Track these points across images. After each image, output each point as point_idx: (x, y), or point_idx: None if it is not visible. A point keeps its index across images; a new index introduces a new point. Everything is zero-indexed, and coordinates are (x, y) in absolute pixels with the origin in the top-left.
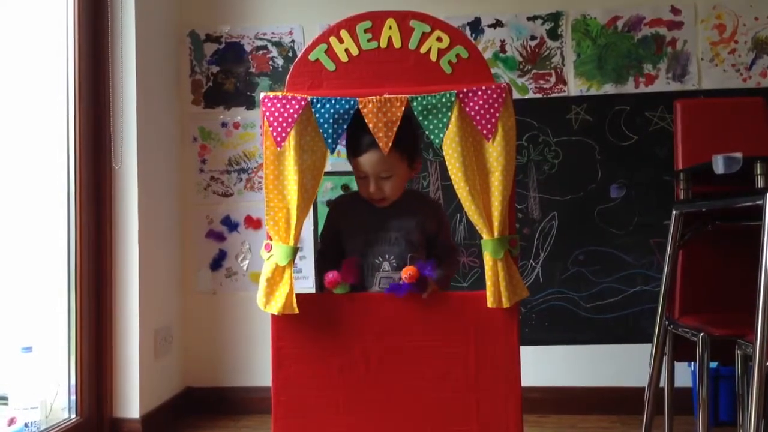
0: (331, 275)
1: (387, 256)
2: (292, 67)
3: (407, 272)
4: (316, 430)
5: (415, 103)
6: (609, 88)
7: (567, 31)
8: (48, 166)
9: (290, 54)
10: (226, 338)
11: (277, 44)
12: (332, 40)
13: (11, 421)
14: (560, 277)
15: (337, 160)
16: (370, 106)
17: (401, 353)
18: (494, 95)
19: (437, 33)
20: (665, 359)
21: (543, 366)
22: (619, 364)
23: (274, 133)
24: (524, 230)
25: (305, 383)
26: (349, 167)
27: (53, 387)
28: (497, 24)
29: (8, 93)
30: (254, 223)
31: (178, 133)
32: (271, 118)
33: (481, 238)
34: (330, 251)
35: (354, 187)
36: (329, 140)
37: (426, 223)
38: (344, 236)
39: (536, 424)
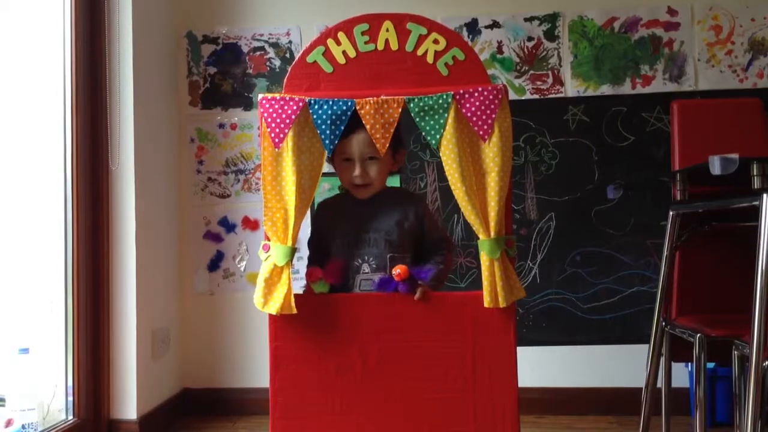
0: (312, 270)
1: (366, 258)
2: (289, 70)
3: (396, 270)
4: (314, 430)
5: (412, 105)
6: (606, 89)
7: (564, 32)
8: (45, 167)
9: (287, 55)
10: (223, 339)
11: (275, 45)
12: (330, 42)
13: (8, 423)
14: (557, 278)
15: None
16: (368, 107)
17: (399, 353)
18: (490, 96)
19: (434, 35)
20: (662, 360)
21: (540, 366)
22: (616, 365)
23: (272, 134)
24: (521, 231)
25: (303, 384)
26: None
27: (51, 388)
28: (494, 25)
29: (6, 94)
30: (252, 224)
31: (176, 134)
32: (269, 119)
33: (478, 238)
34: (317, 258)
35: None
36: (327, 141)
37: (406, 219)
38: (327, 241)
39: (533, 424)
